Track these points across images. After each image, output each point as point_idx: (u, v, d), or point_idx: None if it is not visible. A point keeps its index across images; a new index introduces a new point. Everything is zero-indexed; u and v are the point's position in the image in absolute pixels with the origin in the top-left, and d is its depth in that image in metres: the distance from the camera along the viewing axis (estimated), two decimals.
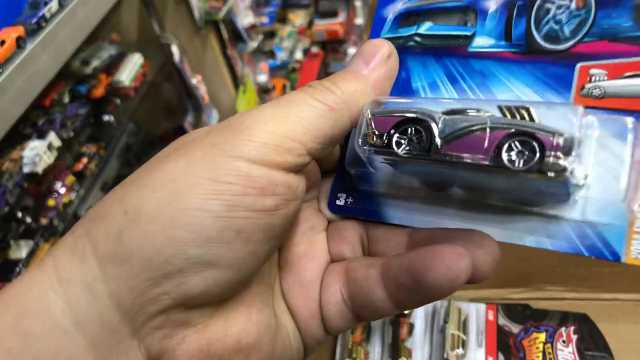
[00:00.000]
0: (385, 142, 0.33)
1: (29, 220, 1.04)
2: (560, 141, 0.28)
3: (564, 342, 0.76)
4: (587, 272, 0.82)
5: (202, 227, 0.28)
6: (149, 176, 0.29)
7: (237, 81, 1.79)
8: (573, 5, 0.34)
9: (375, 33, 0.41)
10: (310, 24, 2.62)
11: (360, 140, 0.34)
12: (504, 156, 0.29)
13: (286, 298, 0.38)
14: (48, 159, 1.03)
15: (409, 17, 0.41)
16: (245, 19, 1.97)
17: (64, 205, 1.09)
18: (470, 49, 0.37)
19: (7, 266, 0.96)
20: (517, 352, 0.77)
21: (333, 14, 2.58)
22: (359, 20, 2.84)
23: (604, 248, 0.30)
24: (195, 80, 1.52)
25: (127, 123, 1.36)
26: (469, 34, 0.38)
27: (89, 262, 0.28)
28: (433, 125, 0.32)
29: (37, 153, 1.01)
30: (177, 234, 0.27)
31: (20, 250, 0.98)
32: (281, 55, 2.42)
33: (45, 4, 0.94)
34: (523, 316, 0.82)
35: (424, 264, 0.30)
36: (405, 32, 0.40)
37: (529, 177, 0.29)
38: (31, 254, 0.99)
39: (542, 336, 0.78)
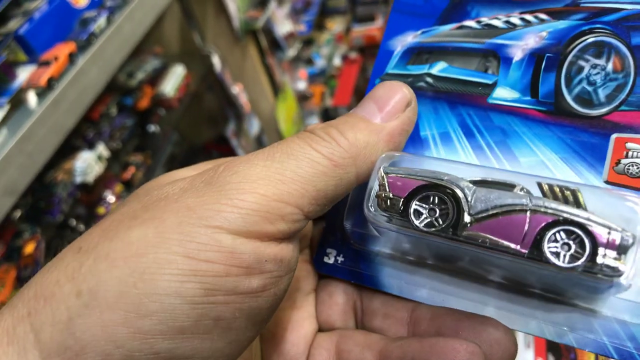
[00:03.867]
0: (402, 209, 0.28)
1: (82, 227, 1.08)
2: (617, 238, 0.24)
3: None
4: None
5: (174, 316, 0.22)
6: (109, 245, 0.23)
7: (276, 89, 1.82)
8: (610, 67, 0.29)
9: (379, 67, 0.36)
10: (347, 30, 2.63)
11: (370, 202, 0.29)
12: (546, 248, 0.25)
13: None
14: (98, 168, 1.08)
15: (420, 53, 0.35)
16: (283, 27, 2.00)
17: None
18: (491, 100, 0.32)
19: None
20: (568, 353, 0.75)
21: (370, 18, 2.58)
22: None
23: (636, 351, 0.25)
24: (236, 89, 1.56)
25: (171, 133, 1.41)
26: (489, 82, 0.32)
27: (29, 356, 0.22)
28: (461, 197, 0.27)
29: (88, 164, 1.05)
30: (143, 325, 0.22)
31: None
32: (319, 62, 2.43)
33: (94, 20, 0.98)
34: None
35: None
36: (415, 69, 0.35)
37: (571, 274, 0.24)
38: None
39: None
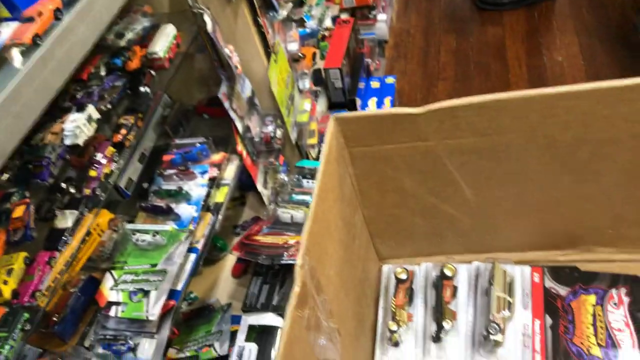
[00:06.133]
0: None
1: (73, 190, 1.06)
2: None
3: (614, 304, 0.74)
4: None
5: None
6: None
7: (268, 50, 1.77)
8: None
9: None
10: None
11: None
12: None
13: None
14: (88, 131, 1.05)
15: None
16: None
17: (105, 175, 1.11)
18: None
19: (54, 235, 0.99)
20: (566, 314, 0.76)
21: None
22: None
23: None
24: (228, 50, 1.51)
25: (162, 94, 1.37)
26: None
27: None
28: None
29: (77, 125, 1.02)
30: None
31: (66, 220, 1.01)
32: (310, 24, 2.38)
33: None
34: (571, 278, 0.80)
35: None
36: None
37: None
38: (76, 223, 1.02)
39: (592, 298, 0.76)
